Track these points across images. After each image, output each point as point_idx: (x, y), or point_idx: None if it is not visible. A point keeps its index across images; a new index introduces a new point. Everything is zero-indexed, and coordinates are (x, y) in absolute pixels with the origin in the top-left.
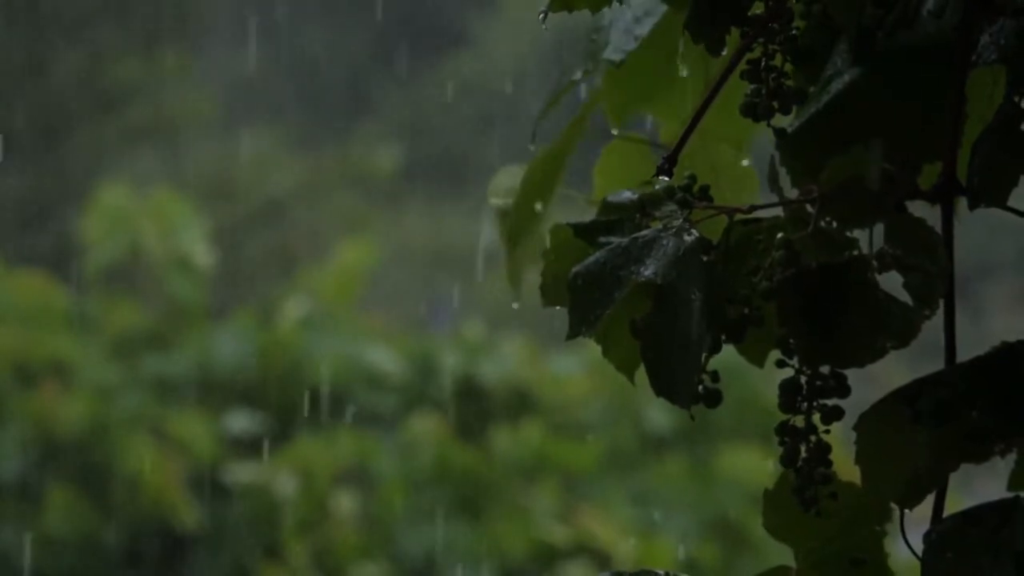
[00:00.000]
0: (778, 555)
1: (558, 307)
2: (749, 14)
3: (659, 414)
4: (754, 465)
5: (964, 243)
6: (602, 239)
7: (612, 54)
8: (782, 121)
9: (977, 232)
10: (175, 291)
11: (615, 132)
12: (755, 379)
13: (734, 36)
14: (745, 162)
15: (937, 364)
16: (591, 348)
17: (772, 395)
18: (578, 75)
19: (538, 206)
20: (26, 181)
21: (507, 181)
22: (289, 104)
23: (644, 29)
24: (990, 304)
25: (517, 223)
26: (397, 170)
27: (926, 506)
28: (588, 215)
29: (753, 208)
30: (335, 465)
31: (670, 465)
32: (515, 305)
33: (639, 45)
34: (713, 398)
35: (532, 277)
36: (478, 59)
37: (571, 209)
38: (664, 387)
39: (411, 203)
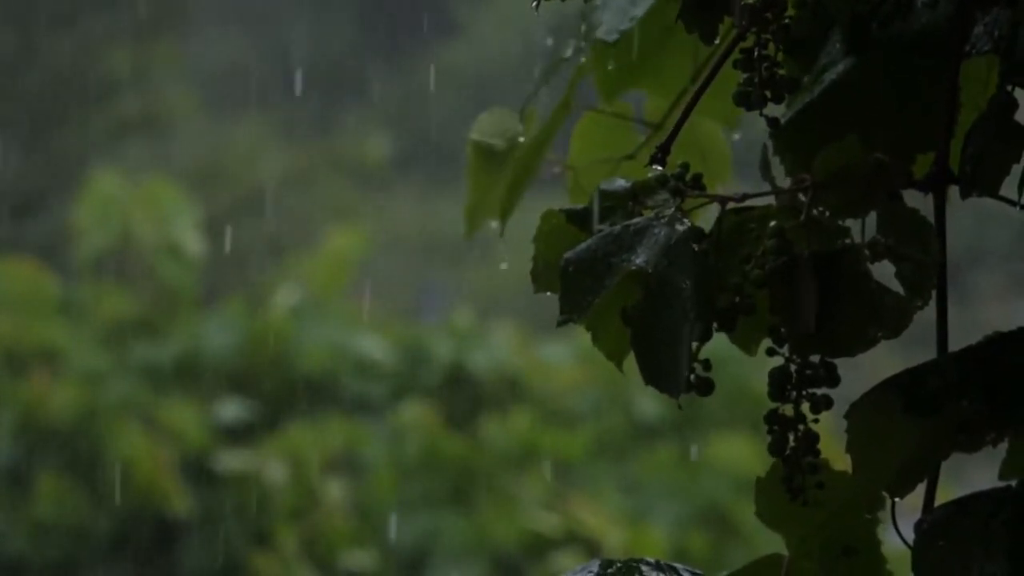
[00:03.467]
0: (767, 543)
1: (549, 294)
2: (743, 3)
3: (649, 403)
4: (744, 454)
5: (954, 231)
6: (594, 226)
7: (606, 34)
8: (775, 110)
9: (967, 221)
10: (165, 278)
11: (603, 108)
12: (745, 368)
13: (727, 24)
14: (736, 135)
15: (926, 353)
16: (581, 336)
17: (762, 384)
18: (568, 53)
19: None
20: (17, 170)
21: (491, 123)
22: (278, 92)
23: (640, 10)
24: (980, 293)
25: (507, 201)
26: (386, 158)
27: (919, 495)
28: (563, 182)
29: (746, 197)
30: (325, 453)
31: (660, 454)
32: (465, 239)
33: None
34: (705, 387)
35: (521, 265)
36: (467, 47)
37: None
38: (653, 376)
39: (400, 191)
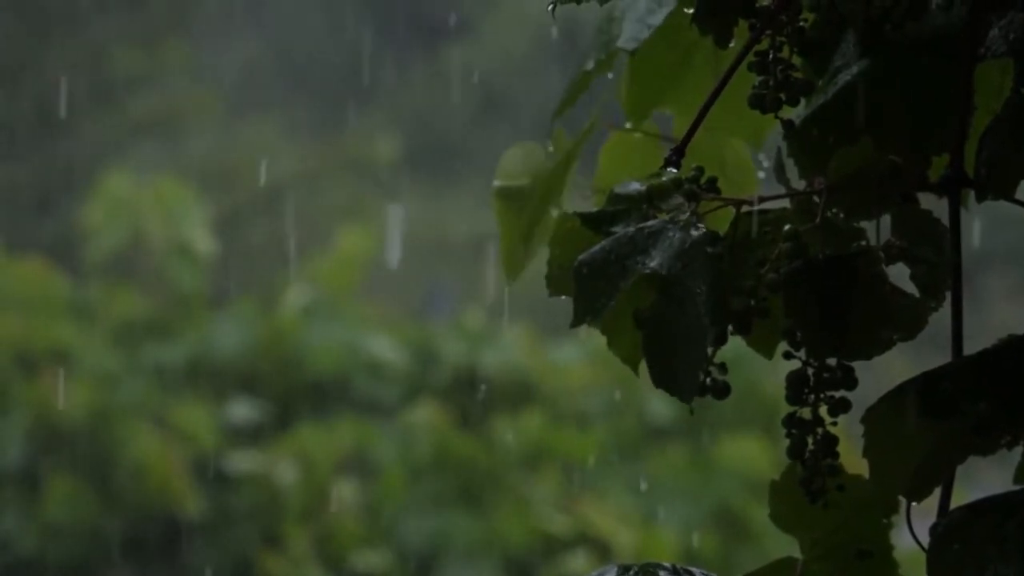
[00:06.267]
0: (778, 544)
1: (563, 297)
2: (757, 6)
3: (660, 404)
4: (755, 455)
5: (965, 233)
6: (609, 229)
7: (626, 43)
8: (790, 113)
9: (978, 222)
10: (176, 279)
11: (629, 126)
12: (756, 369)
13: (742, 28)
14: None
15: (938, 355)
16: (592, 337)
17: (774, 385)
18: (590, 65)
19: (553, 212)
20: (30, 169)
21: (516, 160)
22: (289, 93)
23: (658, 19)
24: (991, 295)
25: (529, 223)
26: (396, 158)
27: (931, 498)
28: (590, 200)
29: (761, 200)
30: (336, 454)
31: (671, 455)
32: (505, 289)
33: (655, 40)
34: (721, 390)
35: (534, 267)
36: (477, 47)
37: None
38: (664, 379)
39: (410, 191)
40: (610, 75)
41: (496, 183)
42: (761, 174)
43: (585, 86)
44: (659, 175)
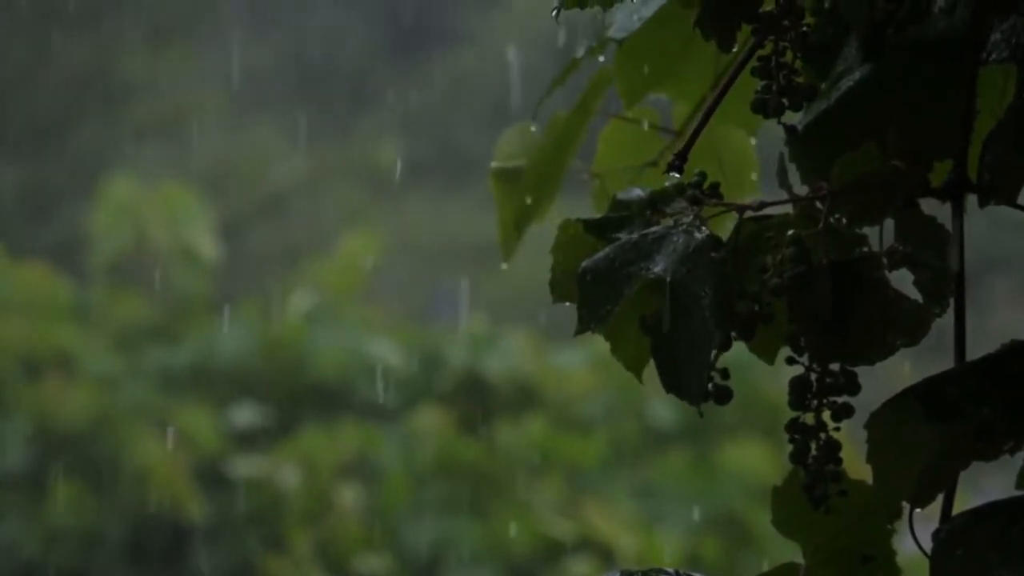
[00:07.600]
0: (781, 550)
1: (567, 303)
2: (760, 10)
3: (663, 408)
4: (757, 460)
5: (967, 238)
6: (612, 235)
7: (616, 33)
8: (793, 118)
9: (980, 227)
10: (180, 283)
11: (629, 115)
12: (759, 374)
13: (745, 32)
14: (753, 140)
15: (941, 360)
16: (595, 342)
17: (776, 390)
18: (581, 53)
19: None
20: (33, 173)
21: (513, 142)
22: (293, 97)
23: (649, 11)
24: (993, 299)
25: (523, 205)
26: (400, 163)
27: (934, 504)
28: (588, 185)
29: (763, 205)
30: (338, 458)
31: (673, 459)
32: (504, 265)
33: (650, 26)
34: (724, 395)
35: (536, 271)
36: (480, 54)
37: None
38: (674, 384)
39: (413, 196)
40: (601, 58)
41: (493, 164)
42: (756, 176)
43: (574, 69)
44: (655, 164)
